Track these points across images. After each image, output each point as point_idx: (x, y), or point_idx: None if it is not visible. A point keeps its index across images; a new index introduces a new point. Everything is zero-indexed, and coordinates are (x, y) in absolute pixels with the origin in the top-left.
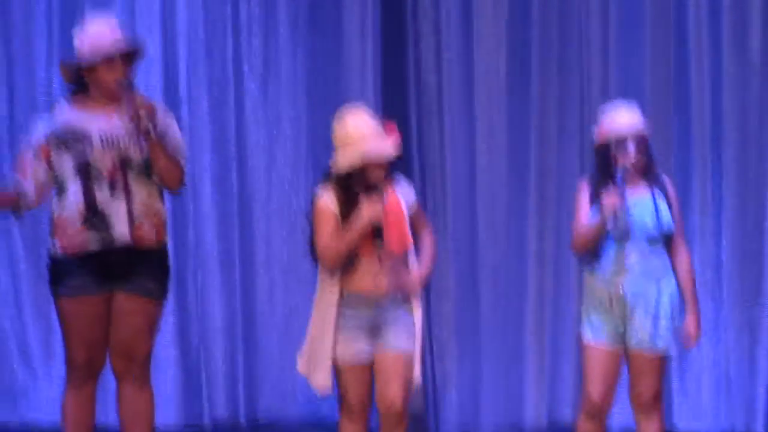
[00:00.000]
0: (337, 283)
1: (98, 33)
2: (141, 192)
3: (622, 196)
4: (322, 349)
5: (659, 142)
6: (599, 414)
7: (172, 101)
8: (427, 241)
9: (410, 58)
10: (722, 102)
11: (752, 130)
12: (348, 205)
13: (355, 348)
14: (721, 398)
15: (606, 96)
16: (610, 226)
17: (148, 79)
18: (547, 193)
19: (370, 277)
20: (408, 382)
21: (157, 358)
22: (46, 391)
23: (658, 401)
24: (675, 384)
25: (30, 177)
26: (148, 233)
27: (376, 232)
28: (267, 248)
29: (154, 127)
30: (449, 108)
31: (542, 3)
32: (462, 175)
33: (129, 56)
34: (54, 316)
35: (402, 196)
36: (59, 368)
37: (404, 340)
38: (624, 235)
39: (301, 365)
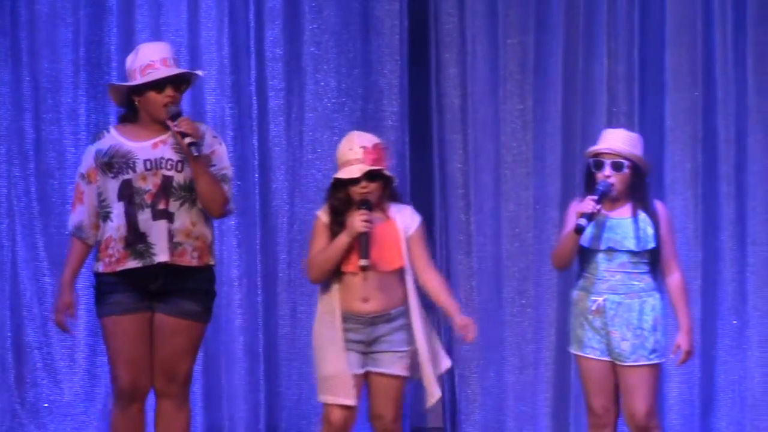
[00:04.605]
0: (338, 302)
1: (151, 56)
2: (183, 216)
3: (595, 206)
4: (340, 370)
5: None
6: (606, 426)
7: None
8: (435, 278)
9: (433, 81)
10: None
11: None
12: (338, 222)
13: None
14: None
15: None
16: (578, 227)
17: None
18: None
19: (357, 295)
20: (400, 401)
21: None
22: (72, 408)
23: (654, 418)
24: None
25: (86, 204)
26: (188, 257)
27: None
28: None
29: (198, 147)
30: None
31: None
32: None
33: (179, 81)
34: (78, 330)
35: (400, 220)
36: (83, 384)
37: (396, 363)
38: (595, 243)
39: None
